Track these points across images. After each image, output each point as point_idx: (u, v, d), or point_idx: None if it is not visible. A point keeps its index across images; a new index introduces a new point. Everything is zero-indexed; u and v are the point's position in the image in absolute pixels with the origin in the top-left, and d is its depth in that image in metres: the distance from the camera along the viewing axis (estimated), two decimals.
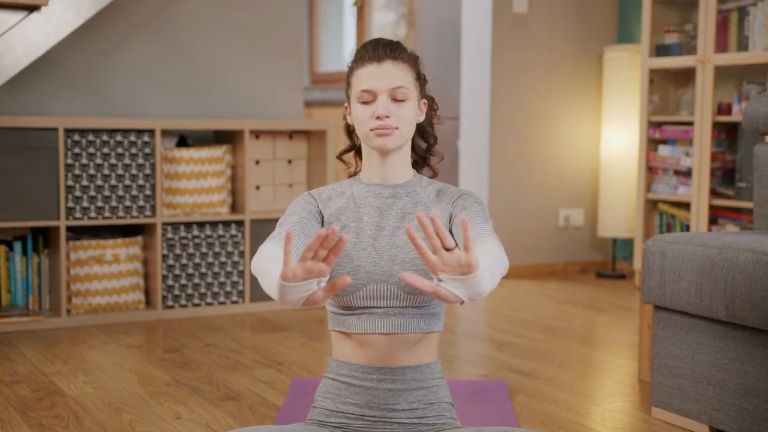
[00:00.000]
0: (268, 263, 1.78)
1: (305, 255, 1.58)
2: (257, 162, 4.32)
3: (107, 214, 3.93)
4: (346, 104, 2.02)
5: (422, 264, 1.90)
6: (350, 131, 2.09)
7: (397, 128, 1.92)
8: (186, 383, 3.01)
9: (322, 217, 1.99)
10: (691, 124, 4.68)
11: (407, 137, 1.97)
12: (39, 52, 3.61)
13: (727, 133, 4.56)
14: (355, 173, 2.11)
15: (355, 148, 2.12)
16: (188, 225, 4.06)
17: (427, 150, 2.11)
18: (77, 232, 4.06)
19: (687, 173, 4.69)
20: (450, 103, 5.63)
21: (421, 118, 2.02)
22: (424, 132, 2.10)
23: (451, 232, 1.96)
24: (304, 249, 1.62)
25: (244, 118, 4.38)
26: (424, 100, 2.02)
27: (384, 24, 7.16)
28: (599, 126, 5.38)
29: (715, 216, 4.57)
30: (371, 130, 1.92)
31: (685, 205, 4.74)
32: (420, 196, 2.00)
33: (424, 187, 2.02)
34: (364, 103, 1.94)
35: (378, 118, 1.91)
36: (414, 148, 2.09)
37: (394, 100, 1.92)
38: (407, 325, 1.94)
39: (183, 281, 4.07)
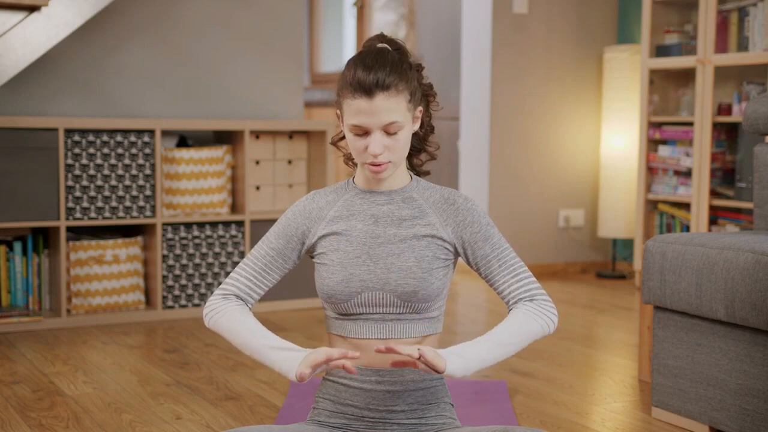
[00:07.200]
0: (238, 326, 1.97)
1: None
2: (257, 162, 4.32)
3: (107, 214, 3.93)
4: (337, 111, 1.94)
5: (420, 271, 1.90)
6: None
7: (390, 162, 1.89)
8: (186, 383, 3.01)
9: (306, 236, 1.97)
10: (691, 124, 4.68)
11: (402, 159, 1.93)
12: (39, 52, 3.61)
13: (727, 134, 4.56)
14: (349, 159, 2.06)
15: None
16: (188, 225, 4.06)
17: (423, 139, 2.06)
18: (77, 233, 4.06)
19: (687, 174, 4.69)
20: (450, 103, 5.63)
21: (416, 127, 1.96)
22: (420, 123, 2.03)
23: (464, 252, 1.97)
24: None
25: (244, 119, 4.38)
26: (420, 108, 1.95)
27: (384, 24, 7.16)
28: (599, 126, 5.38)
29: (715, 216, 4.57)
30: (364, 163, 1.90)
31: (685, 206, 4.74)
32: (417, 203, 1.96)
33: (421, 192, 1.98)
34: (356, 135, 1.88)
35: (372, 155, 1.87)
36: None
37: (388, 133, 1.87)
38: (404, 329, 1.93)
39: (183, 281, 4.07)
